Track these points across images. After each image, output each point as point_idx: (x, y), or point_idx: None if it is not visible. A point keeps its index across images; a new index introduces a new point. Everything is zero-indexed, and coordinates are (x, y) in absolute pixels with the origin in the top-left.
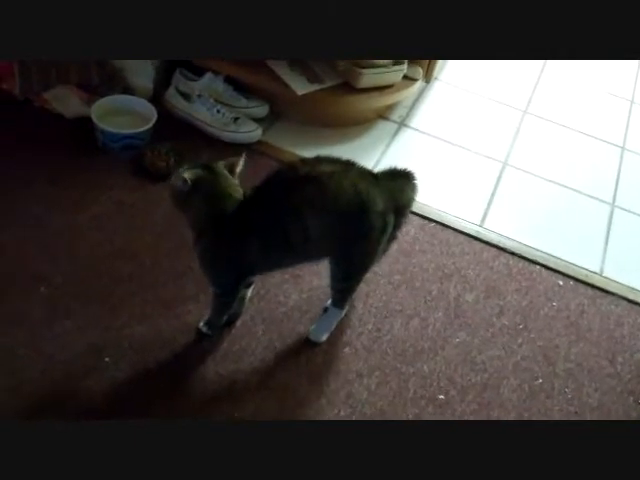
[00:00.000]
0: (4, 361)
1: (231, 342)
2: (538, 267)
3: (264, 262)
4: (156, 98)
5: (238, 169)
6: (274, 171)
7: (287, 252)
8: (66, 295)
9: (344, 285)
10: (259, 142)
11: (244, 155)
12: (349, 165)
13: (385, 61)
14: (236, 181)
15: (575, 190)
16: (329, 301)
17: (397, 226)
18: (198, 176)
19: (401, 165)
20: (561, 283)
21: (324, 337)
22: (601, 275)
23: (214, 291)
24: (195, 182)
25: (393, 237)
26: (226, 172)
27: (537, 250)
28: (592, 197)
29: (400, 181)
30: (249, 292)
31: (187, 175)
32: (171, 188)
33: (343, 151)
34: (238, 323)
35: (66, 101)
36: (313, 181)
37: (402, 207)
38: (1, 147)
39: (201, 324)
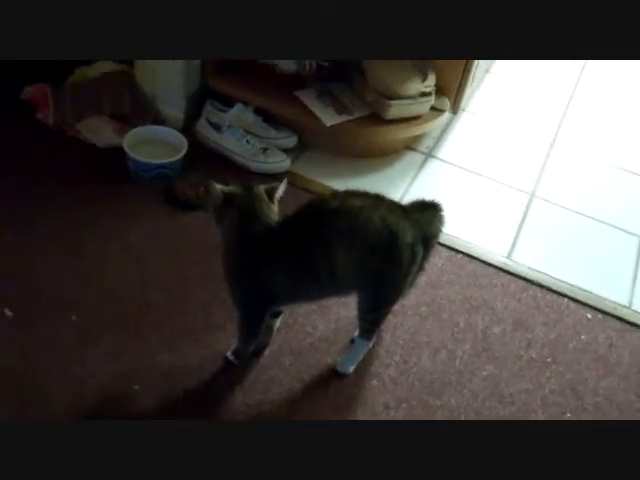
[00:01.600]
0: (35, 386)
1: (259, 372)
2: (566, 300)
3: (289, 292)
4: (187, 128)
5: (278, 194)
6: (306, 203)
7: (314, 284)
8: (97, 323)
9: (372, 317)
10: (287, 172)
11: (285, 181)
12: (379, 199)
13: (413, 92)
14: (274, 206)
15: (604, 222)
16: (356, 332)
17: (425, 257)
18: (232, 192)
19: (428, 196)
20: (589, 316)
21: (351, 369)
22: (630, 308)
23: (240, 316)
24: (228, 197)
25: (421, 268)
26: (264, 195)
27: (565, 283)
28: (621, 229)
29: (428, 212)
30: (277, 322)
31: (220, 188)
32: (210, 198)
33: (371, 182)
34: (266, 353)
35: (99, 131)
36: (343, 214)
37: (430, 238)
38: (35, 177)
39: (229, 353)
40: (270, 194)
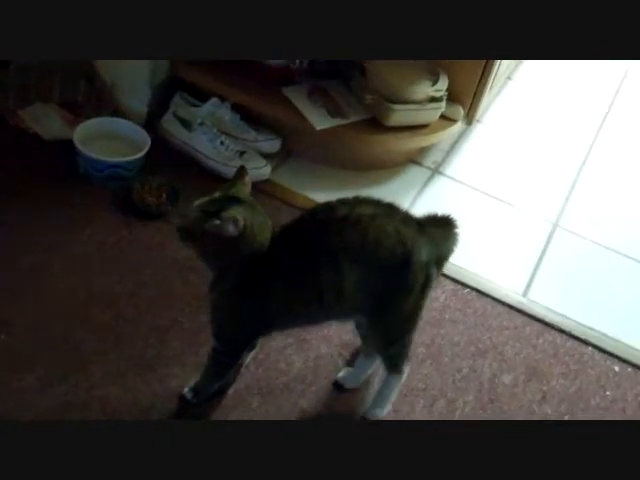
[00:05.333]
0: None
1: (220, 415)
2: (590, 348)
3: (288, 315)
4: (150, 124)
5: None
6: (308, 210)
7: (316, 304)
8: (30, 345)
9: (390, 351)
10: (267, 181)
11: (246, 175)
12: (392, 209)
13: (421, 97)
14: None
15: (638, 261)
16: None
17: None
18: (247, 216)
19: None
20: (617, 369)
21: (383, 412)
22: None
23: (215, 349)
24: (246, 223)
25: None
26: (258, 205)
27: (590, 328)
28: None
29: (442, 229)
30: (248, 357)
31: (240, 217)
32: (207, 234)
33: None
34: (230, 392)
35: (45, 121)
36: (353, 224)
37: (442, 259)
38: None
39: (186, 390)
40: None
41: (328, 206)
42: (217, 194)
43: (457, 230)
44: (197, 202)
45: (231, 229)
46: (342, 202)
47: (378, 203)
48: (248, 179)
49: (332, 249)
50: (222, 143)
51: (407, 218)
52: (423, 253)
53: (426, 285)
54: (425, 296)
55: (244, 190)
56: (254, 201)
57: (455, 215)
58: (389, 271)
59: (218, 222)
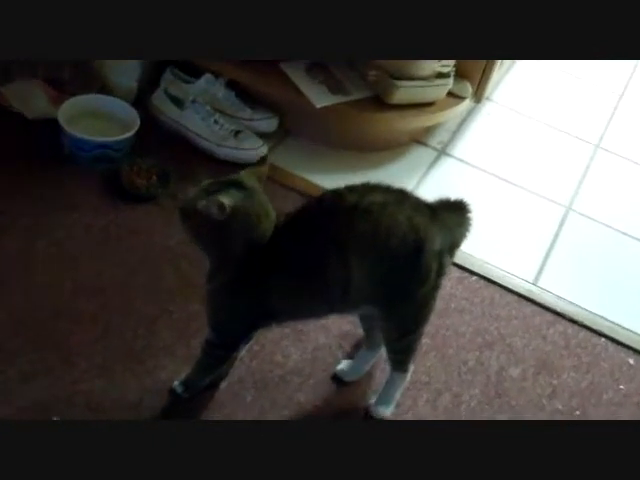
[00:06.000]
0: None
1: (211, 410)
2: (604, 340)
3: (290, 308)
4: (140, 101)
5: (263, 181)
6: (315, 198)
7: (321, 297)
8: (12, 336)
9: (402, 345)
10: (261, 160)
11: (268, 163)
12: (403, 195)
13: (427, 72)
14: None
15: None
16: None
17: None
18: (237, 201)
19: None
20: (632, 362)
21: (389, 411)
22: None
23: (210, 341)
24: (234, 209)
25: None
26: (259, 187)
27: (604, 319)
28: None
29: (455, 215)
30: (244, 348)
31: (226, 201)
32: (195, 214)
33: (365, 180)
34: (222, 386)
35: (29, 98)
36: (363, 213)
37: (454, 246)
38: None
39: (176, 383)
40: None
41: (335, 193)
42: (225, 178)
43: (470, 215)
44: (204, 183)
45: (215, 212)
46: (350, 189)
47: (388, 189)
48: (265, 169)
49: (341, 240)
50: (216, 122)
51: (419, 205)
52: (436, 241)
53: (440, 273)
54: (439, 285)
55: (253, 177)
56: (258, 190)
57: (466, 199)
58: (402, 261)
59: (204, 203)
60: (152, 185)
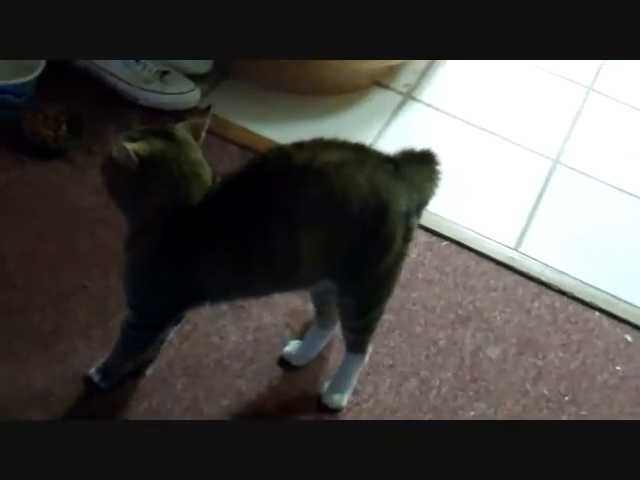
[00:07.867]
0: None
1: (136, 401)
2: (597, 314)
3: (225, 285)
4: None
5: (202, 136)
6: (257, 158)
7: (265, 273)
8: None
9: (361, 323)
10: (195, 109)
11: (209, 115)
12: (362, 151)
13: None
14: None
15: None
16: (315, 320)
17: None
18: (154, 150)
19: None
20: (629, 339)
21: (346, 399)
22: None
23: (129, 322)
24: (149, 159)
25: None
26: (193, 142)
27: (597, 289)
28: None
29: (422, 168)
30: (173, 330)
31: (135, 148)
32: (109, 163)
33: (320, 129)
34: (148, 373)
35: None
36: (315, 175)
37: (421, 204)
38: None
39: (92, 370)
40: (195, 137)
41: (282, 152)
42: (155, 126)
43: (439, 168)
44: (131, 130)
45: (122, 160)
46: (300, 146)
47: (345, 146)
48: (203, 121)
49: (287, 207)
50: (138, 62)
51: (381, 161)
52: (402, 202)
53: (406, 238)
54: (405, 252)
55: (188, 130)
56: (190, 144)
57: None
58: (362, 228)
59: (115, 149)
60: (61, 136)
